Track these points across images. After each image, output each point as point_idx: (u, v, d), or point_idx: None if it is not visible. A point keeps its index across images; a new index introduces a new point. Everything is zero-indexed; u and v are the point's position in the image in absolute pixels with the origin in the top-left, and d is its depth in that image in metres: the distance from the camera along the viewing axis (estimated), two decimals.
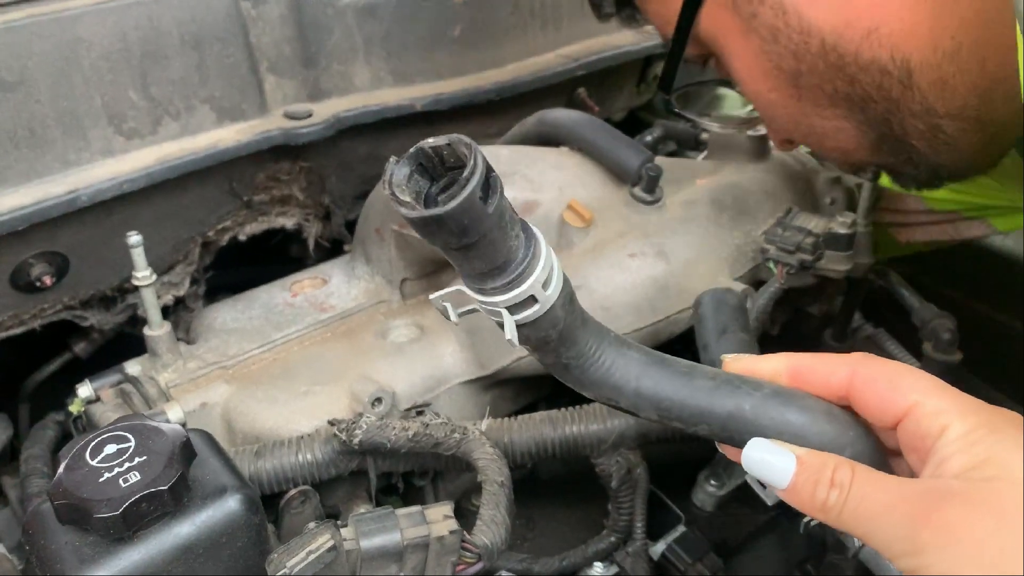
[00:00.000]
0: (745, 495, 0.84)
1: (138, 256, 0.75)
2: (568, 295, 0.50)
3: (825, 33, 0.66)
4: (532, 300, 0.46)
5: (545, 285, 0.47)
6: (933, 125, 0.67)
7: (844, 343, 0.99)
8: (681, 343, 0.89)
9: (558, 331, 0.48)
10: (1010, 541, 0.39)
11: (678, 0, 0.73)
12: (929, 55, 0.63)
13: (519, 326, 0.47)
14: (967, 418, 0.43)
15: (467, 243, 0.42)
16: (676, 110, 0.88)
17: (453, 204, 0.40)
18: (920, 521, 0.41)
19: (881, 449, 0.48)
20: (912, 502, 0.42)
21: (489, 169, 0.41)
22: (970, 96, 0.64)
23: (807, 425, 0.47)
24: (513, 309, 0.46)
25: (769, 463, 0.46)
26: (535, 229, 0.46)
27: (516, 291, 0.45)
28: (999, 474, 0.41)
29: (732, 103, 1.30)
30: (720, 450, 0.51)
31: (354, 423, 0.70)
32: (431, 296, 0.50)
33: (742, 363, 0.50)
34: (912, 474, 0.47)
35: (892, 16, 0.62)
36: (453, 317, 0.49)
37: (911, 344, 0.95)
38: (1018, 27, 0.51)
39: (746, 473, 0.49)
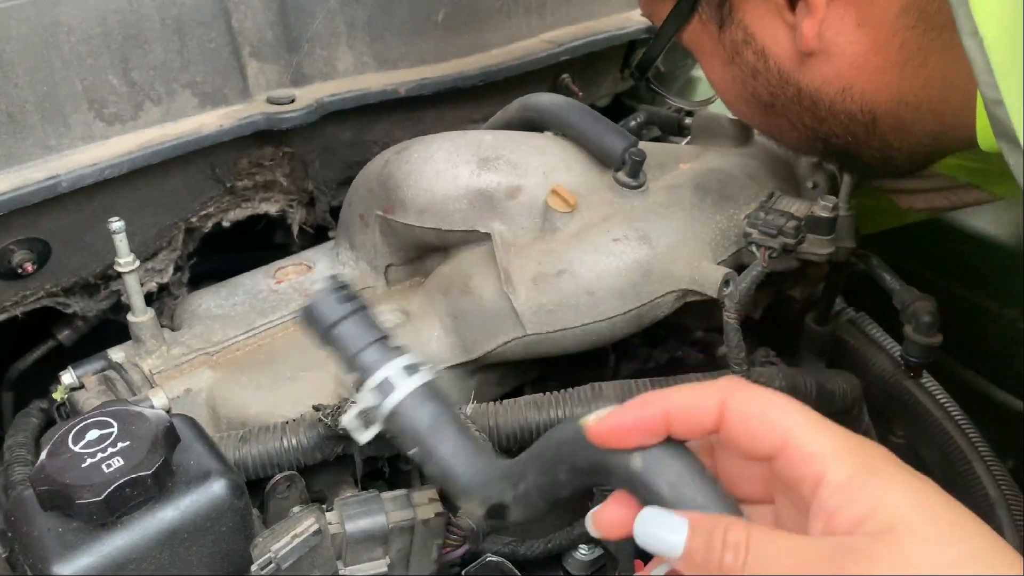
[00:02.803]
0: None
1: (120, 242, 0.75)
2: (436, 396, 0.56)
3: (802, 85, 0.69)
4: (390, 386, 0.55)
5: (406, 374, 0.55)
6: (887, 155, 0.72)
7: (826, 327, 0.99)
8: (664, 327, 0.90)
9: (425, 420, 0.55)
10: None
11: (664, 9, 0.75)
12: (893, 107, 0.67)
13: (391, 419, 0.55)
14: (842, 462, 0.42)
15: (328, 335, 0.57)
16: (655, 87, 0.90)
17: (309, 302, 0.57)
18: None
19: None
20: (818, 565, 0.40)
21: (345, 291, 0.57)
22: (924, 137, 0.69)
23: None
24: (381, 396, 0.55)
25: (660, 527, 0.44)
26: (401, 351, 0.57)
27: (373, 376, 0.55)
28: (893, 524, 0.40)
29: (706, 88, 1.30)
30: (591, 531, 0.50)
31: (339, 408, 0.70)
32: (345, 419, 0.58)
33: (611, 422, 0.46)
34: (784, 515, 0.46)
35: (866, 77, 0.66)
36: (361, 437, 0.57)
37: (892, 327, 0.96)
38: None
39: None
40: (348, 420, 0.56)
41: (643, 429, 0.46)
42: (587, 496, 0.81)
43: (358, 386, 0.56)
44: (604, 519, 0.48)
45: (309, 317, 0.57)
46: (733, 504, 0.45)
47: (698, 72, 1.29)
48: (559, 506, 0.52)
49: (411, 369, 0.55)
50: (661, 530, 0.44)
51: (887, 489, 0.41)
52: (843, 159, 0.76)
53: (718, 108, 0.90)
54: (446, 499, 0.64)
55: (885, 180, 0.99)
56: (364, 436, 0.57)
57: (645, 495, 0.46)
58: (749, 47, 0.70)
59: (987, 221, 1.08)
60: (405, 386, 0.55)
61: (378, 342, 0.56)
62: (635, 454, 0.46)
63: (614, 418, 0.46)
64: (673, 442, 0.46)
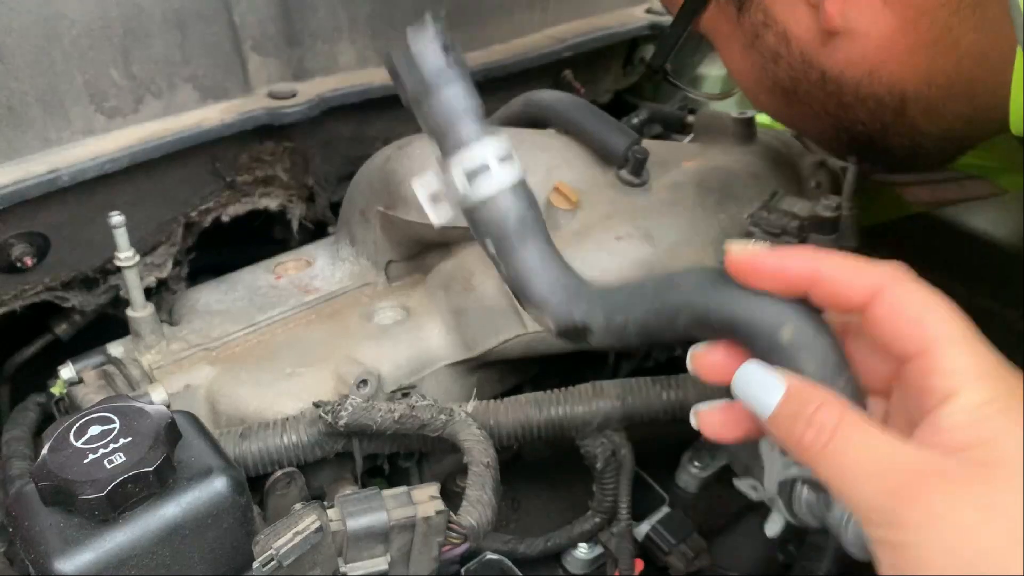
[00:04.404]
0: (728, 477, 0.85)
1: (120, 237, 0.75)
2: (528, 197, 0.50)
3: (826, 68, 0.67)
4: (486, 169, 0.48)
5: (503, 162, 0.49)
6: (916, 141, 0.69)
7: None
8: None
9: (515, 218, 0.49)
10: (994, 538, 0.37)
11: None
12: (923, 89, 0.65)
13: (477, 207, 0.49)
14: (980, 388, 0.40)
15: (427, 88, 0.49)
16: (672, 80, 0.89)
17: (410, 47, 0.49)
18: (904, 498, 0.39)
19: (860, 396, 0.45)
20: (899, 475, 0.39)
21: (450, 44, 0.50)
22: (956, 120, 0.67)
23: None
24: (471, 179, 0.48)
25: (758, 385, 0.44)
26: (502, 130, 0.50)
27: (471, 151, 0.48)
28: (998, 460, 0.38)
29: (712, 84, 1.30)
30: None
31: (339, 405, 0.70)
32: (418, 189, 0.52)
33: (753, 256, 0.45)
34: (894, 415, 0.45)
35: (893, 58, 0.64)
36: (432, 215, 0.51)
37: None
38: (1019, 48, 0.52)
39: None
40: (421, 194, 0.49)
41: (783, 278, 0.44)
42: (588, 494, 0.81)
43: (447, 156, 0.48)
44: (706, 360, 0.47)
45: (407, 65, 0.48)
46: (863, 396, 0.44)
47: (704, 69, 1.29)
48: (650, 344, 0.50)
49: (506, 160, 0.48)
50: (758, 387, 0.43)
51: (1010, 430, 0.39)
52: (868, 150, 0.73)
53: (725, 106, 0.90)
54: (447, 496, 0.64)
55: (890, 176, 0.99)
56: (436, 216, 0.50)
57: (787, 367, 0.44)
58: (770, 30, 0.68)
59: (988, 221, 1.08)
60: (499, 179, 0.48)
61: (474, 117, 0.49)
62: (785, 326, 0.44)
63: (759, 254, 0.44)
64: (818, 317, 0.44)
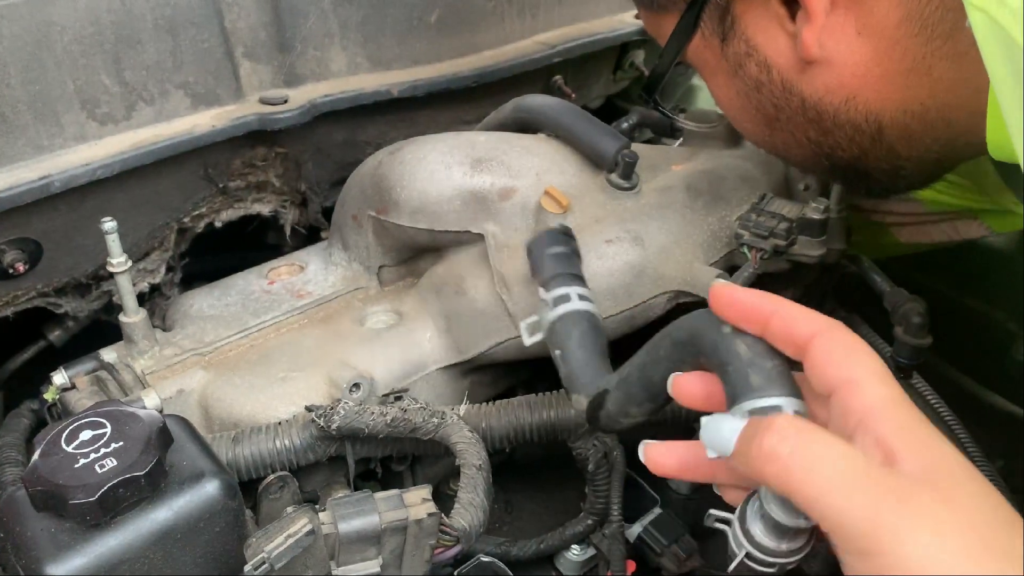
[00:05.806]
0: None
1: (113, 242, 0.75)
2: (595, 323, 0.71)
3: (806, 95, 0.69)
4: (567, 299, 0.70)
5: (582, 298, 0.70)
6: (896, 166, 0.71)
7: None
8: (656, 329, 0.90)
9: (578, 334, 0.69)
10: (950, 556, 0.40)
11: (668, 27, 0.75)
12: (899, 116, 0.67)
13: (555, 323, 0.70)
14: (899, 411, 0.45)
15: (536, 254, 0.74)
16: (662, 110, 0.91)
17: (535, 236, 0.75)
18: (878, 521, 0.41)
19: None
20: (872, 497, 0.42)
21: (564, 233, 0.76)
22: (933, 145, 0.69)
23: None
24: (556, 304, 0.70)
25: (718, 427, 0.48)
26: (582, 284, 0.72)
27: (559, 288, 0.70)
28: (941, 474, 0.42)
29: (706, 96, 1.31)
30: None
31: (332, 409, 0.70)
32: (522, 324, 0.73)
33: (731, 290, 0.52)
34: None
35: (869, 86, 0.66)
36: (527, 340, 0.72)
37: (883, 328, 0.96)
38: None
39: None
40: (523, 325, 0.71)
41: (745, 311, 0.51)
42: (580, 496, 0.81)
43: (545, 288, 0.70)
44: (684, 382, 0.55)
45: (533, 242, 0.73)
46: (797, 389, 0.49)
47: (698, 80, 1.30)
48: (651, 398, 0.59)
49: (584, 299, 0.70)
50: (719, 429, 0.48)
51: (939, 444, 0.44)
52: (850, 175, 0.76)
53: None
54: (440, 499, 0.65)
55: (886, 214, 1.00)
56: (529, 341, 0.71)
57: (725, 357, 0.51)
58: (752, 59, 0.70)
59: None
60: (574, 305, 0.68)
61: (572, 275, 0.71)
62: (724, 324, 0.52)
63: (733, 289, 0.52)
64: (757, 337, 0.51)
